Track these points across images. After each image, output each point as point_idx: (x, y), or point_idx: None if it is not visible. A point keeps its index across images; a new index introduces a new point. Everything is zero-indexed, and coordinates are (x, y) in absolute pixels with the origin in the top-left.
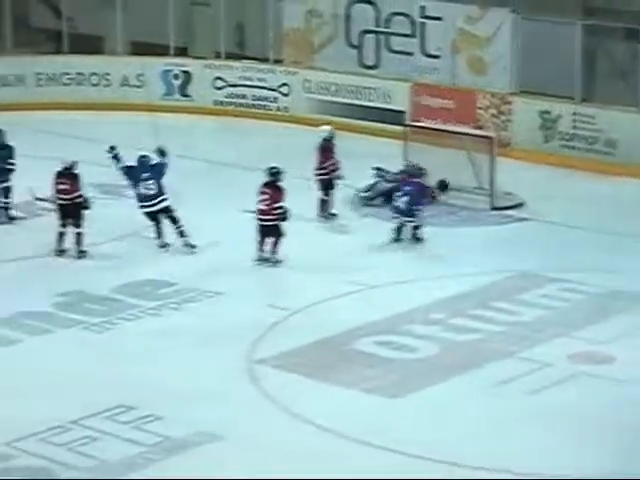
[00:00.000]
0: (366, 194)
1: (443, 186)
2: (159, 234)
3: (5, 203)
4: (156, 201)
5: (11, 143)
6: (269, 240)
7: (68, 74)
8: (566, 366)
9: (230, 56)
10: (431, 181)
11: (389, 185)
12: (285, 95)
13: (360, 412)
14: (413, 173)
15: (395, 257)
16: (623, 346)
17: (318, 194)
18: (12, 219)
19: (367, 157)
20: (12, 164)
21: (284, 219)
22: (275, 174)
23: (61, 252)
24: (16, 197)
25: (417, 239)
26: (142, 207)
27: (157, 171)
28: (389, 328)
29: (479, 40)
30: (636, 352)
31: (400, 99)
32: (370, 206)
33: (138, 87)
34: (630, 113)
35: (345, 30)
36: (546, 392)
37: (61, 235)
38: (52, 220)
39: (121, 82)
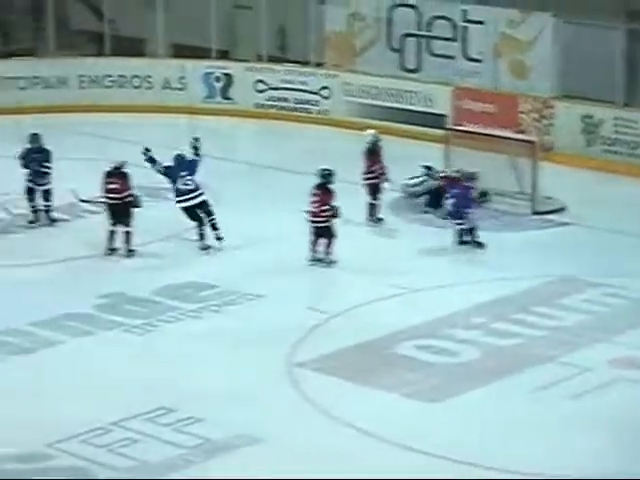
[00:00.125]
0: (414, 189)
1: (483, 196)
2: (201, 236)
3: (46, 206)
4: (193, 195)
5: (48, 146)
6: (322, 241)
7: (110, 76)
8: (606, 371)
9: (272, 59)
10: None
11: (435, 183)
12: (326, 98)
13: (400, 416)
14: (463, 177)
15: (438, 261)
16: None
17: (366, 198)
18: (54, 221)
19: (408, 161)
20: (48, 167)
21: (334, 216)
22: (326, 176)
23: (112, 251)
24: (58, 199)
25: (477, 243)
26: (180, 202)
27: (193, 167)
28: (430, 332)
29: (521, 44)
30: None
31: (441, 103)
32: (416, 198)
33: (179, 90)
34: None
35: (387, 33)
36: (586, 397)
37: (112, 234)
38: (94, 222)
39: (163, 85)
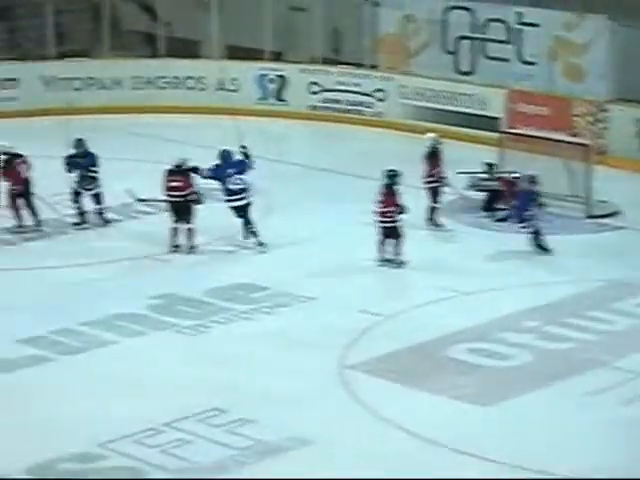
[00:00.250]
0: (475, 184)
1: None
2: (254, 234)
3: (98, 209)
4: (243, 195)
5: (93, 150)
6: (390, 241)
7: (164, 77)
8: None
9: (326, 61)
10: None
11: (494, 184)
12: (380, 100)
13: (450, 419)
14: (523, 180)
15: (491, 264)
16: None
17: (427, 202)
18: (107, 222)
19: (461, 164)
20: (96, 172)
21: (400, 212)
22: (392, 177)
23: (176, 247)
24: (112, 200)
25: (541, 248)
26: (230, 201)
27: (242, 167)
28: (482, 335)
29: (576, 47)
30: None
31: (496, 106)
32: (477, 191)
33: (233, 91)
34: None
35: (441, 36)
36: (638, 403)
37: (175, 231)
38: (147, 222)
39: (216, 86)
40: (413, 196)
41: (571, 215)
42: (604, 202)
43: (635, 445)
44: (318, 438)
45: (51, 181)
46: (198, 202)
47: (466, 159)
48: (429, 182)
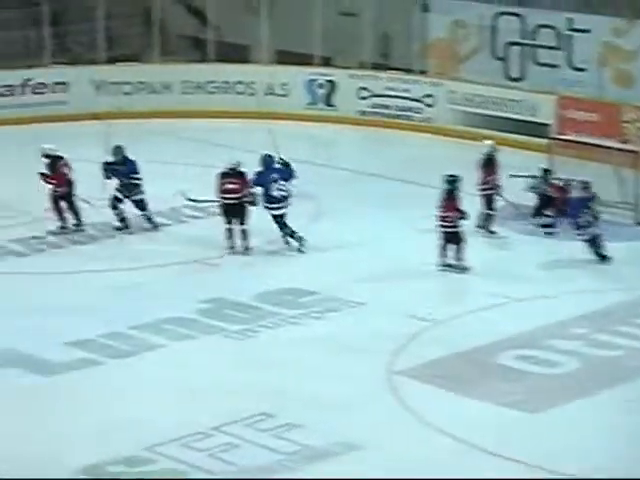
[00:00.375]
0: (533, 186)
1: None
2: (299, 239)
3: (143, 215)
4: (285, 203)
5: (132, 157)
6: (451, 247)
7: (214, 82)
8: None
9: (375, 66)
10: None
11: (547, 190)
12: (429, 106)
13: (497, 426)
14: (576, 186)
15: (541, 271)
16: None
17: (481, 208)
18: (155, 227)
19: (510, 170)
20: (138, 178)
21: (461, 218)
22: (452, 182)
23: (232, 249)
24: (161, 204)
25: (599, 255)
26: (272, 209)
27: (287, 174)
28: (531, 342)
29: (626, 53)
30: None
31: (545, 112)
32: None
33: (283, 96)
34: None
35: (490, 42)
36: None
37: (229, 232)
38: (197, 226)
39: (266, 91)
40: (463, 202)
41: (621, 222)
42: None
43: None
44: (366, 443)
45: (98, 185)
46: (253, 204)
47: (515, 165)
48: (484, 189)
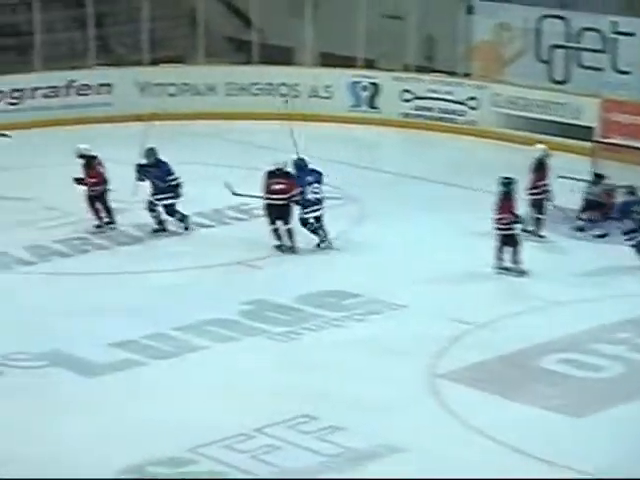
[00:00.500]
0: (587, 191)
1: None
2: (324, 241)
3: (179, 216)
4: (321, 206)
5: (164, 159)
6: (508, 249)
7: (257, 84)
8: None
9: (418, 69)
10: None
11: (598, 196)
12: (473, 109)
13: (539, 429)
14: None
15: (584, 275)
16: None
17: (530, 212)
18: (187, 228)
19: (554, 173)
20: (172, 180)
21: (516, 222)
22: (507, 184)
23: (279, 247)
24: (205, 205)
25: None
26: (310, 212)
27: (319, 176)
28: (574, 346)
29: None
30: None
31: (589, 115)
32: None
33: (326, 98)
34: None
35: (535, 44)
36: None
37: (276, 232)
38: (239, 228)
39: (309, 93)
40: None
41: None
42: None
43: None
44: (408, 445)
45: (140, 186)
46: (299, 203)
47: (559, 168)
48: (534, 193)
